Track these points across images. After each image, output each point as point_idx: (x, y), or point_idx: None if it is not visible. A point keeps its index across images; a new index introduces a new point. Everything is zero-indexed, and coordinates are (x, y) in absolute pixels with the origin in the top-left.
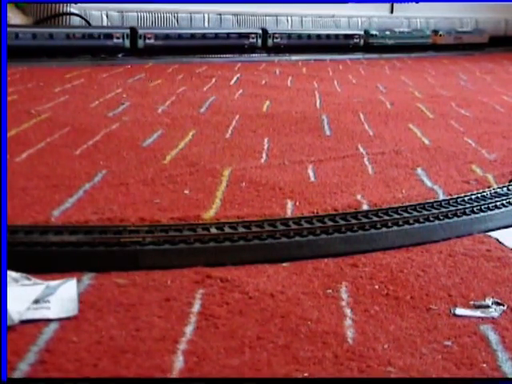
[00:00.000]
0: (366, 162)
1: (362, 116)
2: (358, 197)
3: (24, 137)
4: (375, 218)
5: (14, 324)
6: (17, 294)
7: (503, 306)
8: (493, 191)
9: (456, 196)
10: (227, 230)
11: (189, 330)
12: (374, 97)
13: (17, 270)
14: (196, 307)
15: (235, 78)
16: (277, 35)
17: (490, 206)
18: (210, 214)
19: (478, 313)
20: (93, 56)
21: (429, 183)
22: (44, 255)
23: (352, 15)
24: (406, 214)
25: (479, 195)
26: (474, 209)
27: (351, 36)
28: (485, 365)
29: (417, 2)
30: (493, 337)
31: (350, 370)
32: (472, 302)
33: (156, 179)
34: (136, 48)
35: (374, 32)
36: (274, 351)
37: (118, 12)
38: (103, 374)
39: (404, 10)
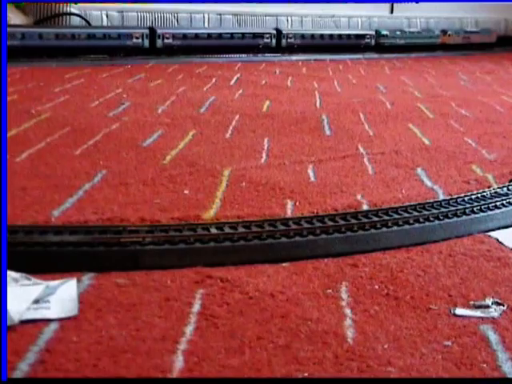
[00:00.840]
0: (366, 162)
1: (361, 116)
2: (358, 197)
3: (24, 137)
4: (375, 218)
5: (14, 324)
6: (17, 294)
7: (503, 305)
8: (493, 191)
9: (456, 196)
10: (227, 230)
11: (189, 329)
12: (374, 97)
13: (17, 270)
14: (196, 307)
15: (235, 78)
16: (290, 35)
17: (490, 206)
18: (209, 214)
19: (478, 313)
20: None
21: (429, 183)
22: (44, 255)
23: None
24: (406, 214)
25: (479, 195)
26: (474, 209)
27: (363, 36)
28: (485, 365)
29: (417, 2)
30: (493, 337)
31: (350, 370)
32: (472, 302)
33: (156, 179)
34: (155, 48)
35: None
36: (273, 351)
37: (118, 12)
38: (103, 374)
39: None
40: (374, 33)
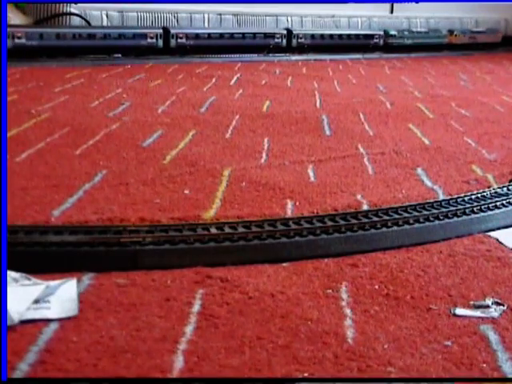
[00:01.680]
0: (366, 162)
1: (361, 116)
2: (358, 197)
3: (24, 137)
4: (375, 218)
5: (14, 324)
6: (17, 294)
7: (503, 305)
8: (493, 191)
9: (456, 196)
10: (227, 229)
11: (189, 329)
12: (374, 97)
13: (17, 270)
14: (196, 307)
15: (235, 78)
16: (301, 35)
17: (490, 206)
18: (209, 214)
19: (478, 313)
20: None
21: (429, 183)
22: (44, 255)
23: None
24: (406, 214)
25: (479, 195)
26: (474, 209)
27: (371, 36)
28: (485, 365)
29: (417, 2)
30: (493, 337)
31: (350, 370)
32: (472, 302)
33: (156, 179)
34: (168, 47)
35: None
36: (273, 351)
37: (118, 12)
38: (103, 374)
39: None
40: (382, 33)
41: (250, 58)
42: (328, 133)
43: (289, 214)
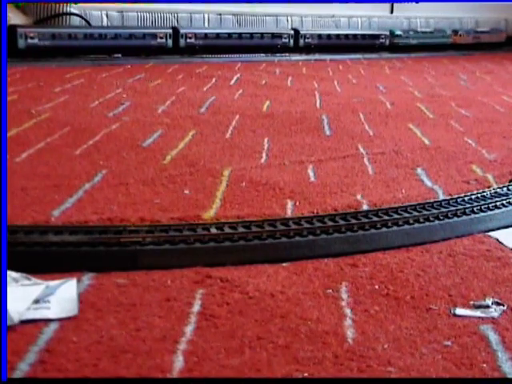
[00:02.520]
0: (366, 162)
1: (361, 116)
2: (358, 197)
3: (24, 137)
4: (375, 218)
5: (14, 324)
6: (17, 294)
7: (503, 305)
8: (493, 191)
9: (456, 196)
10: (227, 230)
11: (189, 329)
12: (374, 97)
13: (17, 270)
14: (196, 307)
15: (235, 78)
16: (308, 35)
17: (490, 206)
18: (209, 214)
19: (478, 313)
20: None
21: (429, 183)
22: (44, 255)
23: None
24: (406, 214)
25: (479, 195)
26: (474, 209)
27: (377, 36)
28: (485, 365)
29: (417, 2)
30: (493, 337)
31: (350, 370)
32: (472, 302)
33: (156, 179)
34: (178, 47)
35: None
36: (273, 351)
37: (118, 12)
38: (103, 374)
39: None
40: (388, 33)
41: (250, 58)
42: (328, 133)
43: (289, 213)
